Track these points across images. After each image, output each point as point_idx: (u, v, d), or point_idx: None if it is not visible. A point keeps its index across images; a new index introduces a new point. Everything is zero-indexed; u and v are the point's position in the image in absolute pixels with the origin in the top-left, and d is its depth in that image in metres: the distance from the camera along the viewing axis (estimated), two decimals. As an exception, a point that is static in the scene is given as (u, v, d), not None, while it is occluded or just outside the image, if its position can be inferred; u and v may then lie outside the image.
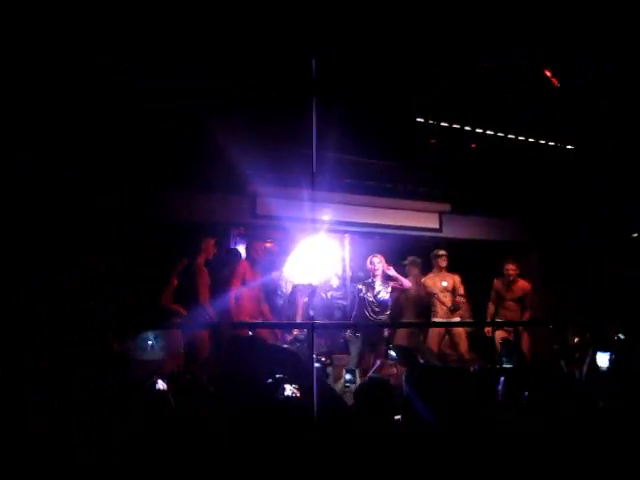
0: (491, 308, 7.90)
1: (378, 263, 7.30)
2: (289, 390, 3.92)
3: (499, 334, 7.51)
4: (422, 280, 7.86)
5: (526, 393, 3.35)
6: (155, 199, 6.62)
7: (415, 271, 8.04)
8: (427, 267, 8.21)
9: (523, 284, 7.93)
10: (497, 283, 7.93)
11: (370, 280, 7.38)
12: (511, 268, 7.78)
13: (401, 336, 7.60)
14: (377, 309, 7.25)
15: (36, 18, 4.47)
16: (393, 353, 5.17)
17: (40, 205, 5.81)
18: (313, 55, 5.26)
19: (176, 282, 6.73)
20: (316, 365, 5.12)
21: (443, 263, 7.79)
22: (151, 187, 6.54)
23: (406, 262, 8.06)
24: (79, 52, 4.84)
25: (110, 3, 4.44)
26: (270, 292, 7.55)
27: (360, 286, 7.48)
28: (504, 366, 3.64)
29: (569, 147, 7.29)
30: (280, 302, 8.00)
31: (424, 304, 7.92)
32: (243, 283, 6.84)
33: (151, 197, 6.58)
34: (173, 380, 4.03)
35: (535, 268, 8.80)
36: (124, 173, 6.23)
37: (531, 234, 8.83)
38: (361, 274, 8.08)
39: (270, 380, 4.59)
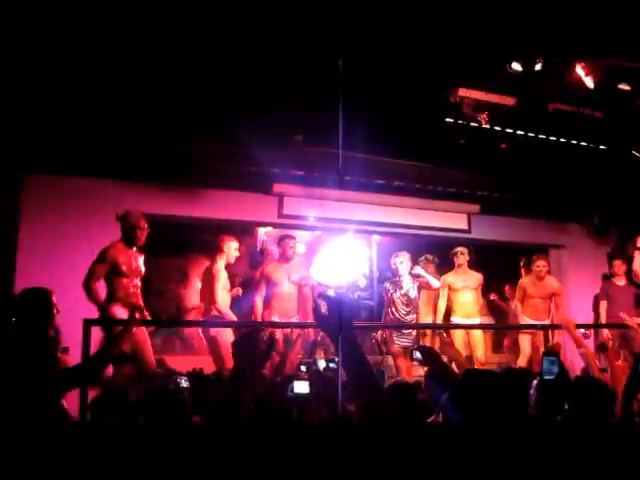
0: (515, 305, 7.69)
1: (400, 263, 7.20)
2: (299, 387, 3.91)
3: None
4: (442, 278, 7.74)
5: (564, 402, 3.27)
6: (181, 198, 6.67)
7: (430, 269, 7.92)
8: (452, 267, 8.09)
9: (552, 282, 7.76)
10: (525, 281, 7.75)
11: (397, 278, 7.29)
12: (542, 264, 7.61)
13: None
14: (406, 307, 7.16)
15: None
16: (419, 354, 5.07)
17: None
18: (341, 55, 5.25)
19: (196, 282, 6.78)
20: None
21: (458, 260, 7.61)
22: (177, 186, 6.59)
23: (421, 259, 7.90)
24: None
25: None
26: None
27: (387, 285, 7.39)
28: (545, 378, 3.54)
29: (602, 147, 7.14)
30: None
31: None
32: (270, 283, 6.82)
33: (177, 196, 6.64)
34: (194, 379, 4.04)
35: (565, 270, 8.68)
36: (153, 172, 6.31)
37: (562, 236, 8.70)
38: (388, 274, 8.03)
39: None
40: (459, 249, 7.62)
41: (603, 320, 7.81)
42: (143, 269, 5.59)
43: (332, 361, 5.29)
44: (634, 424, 3.01)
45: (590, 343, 7.46)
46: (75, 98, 5.32)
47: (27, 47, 4.79)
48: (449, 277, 7.64)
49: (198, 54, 5.00)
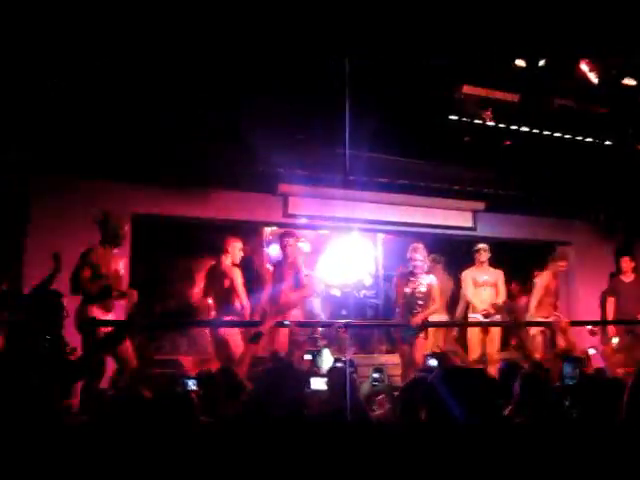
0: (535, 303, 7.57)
1: (421, 261, 6.68)
2: (316, 383, 3.92)
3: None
4: (463, 273, 7.66)
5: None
6: (186, 199, 6.69)
7: (438, 269, 7.83)
8: (458, 265, 8.04)
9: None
10: (550, 279, 7.60)
11: (413, 276, 6.74)
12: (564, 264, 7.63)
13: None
14: (420, 302, 6.73)
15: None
16: (434, 361, 5.04)
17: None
18: (346, 54, 5.25)
19: (203, 281, 6.78)
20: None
21: (481, 257, 7.53)
22: (182, 187, 6.61)
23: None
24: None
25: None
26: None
27: (399, 280, 6.92)
28: (567, 383, 3.48)
29: (607, 143, 7.12)
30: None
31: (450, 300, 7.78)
32: (273, 282, 6.82)
33: (182, 197, 6.66)
34: (202, 380, 4.01)
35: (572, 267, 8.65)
36: (158, 173, 6.34)
37: (568, 233, 8.67)
38: (394, 273, 8.00)
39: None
40: (481, 246, 7.51)
41: (611, 317, 7.78)
42: (122, 272, 5.48)
43: (339, 360, 5.25)
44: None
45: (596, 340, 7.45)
46: (79, 99, 5.35)
47: (30, 49, 4.81)
48: (471, 272, 7.55)
49: (202, 54, 5.01)
